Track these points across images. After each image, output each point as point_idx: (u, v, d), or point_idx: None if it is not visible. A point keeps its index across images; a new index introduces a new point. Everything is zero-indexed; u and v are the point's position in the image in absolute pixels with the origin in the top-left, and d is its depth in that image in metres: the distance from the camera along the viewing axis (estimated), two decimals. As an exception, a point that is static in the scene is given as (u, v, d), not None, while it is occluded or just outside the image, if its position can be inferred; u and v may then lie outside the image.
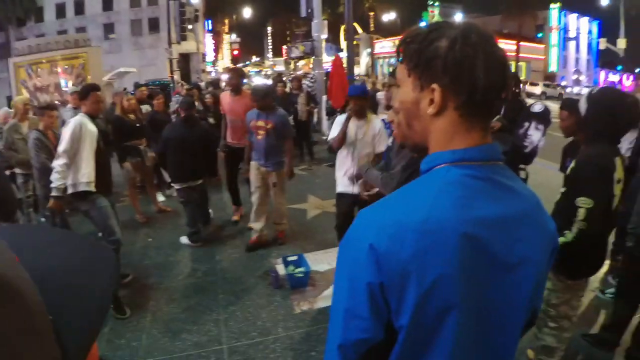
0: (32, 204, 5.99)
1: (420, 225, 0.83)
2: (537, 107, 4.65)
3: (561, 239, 2.35)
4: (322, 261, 4.94)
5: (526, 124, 4.54)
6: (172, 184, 5.93)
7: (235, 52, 67.73)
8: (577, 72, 49.97)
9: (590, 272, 2.68)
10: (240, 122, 5.54)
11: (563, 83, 43.41)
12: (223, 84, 12.98)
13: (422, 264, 0.82)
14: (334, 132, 4.47)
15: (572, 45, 53.35)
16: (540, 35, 49.61)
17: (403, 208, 0.88)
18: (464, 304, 0.84)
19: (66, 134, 4.08)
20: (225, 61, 65.49)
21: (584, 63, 55.46)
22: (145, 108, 7.67)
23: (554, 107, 4.10)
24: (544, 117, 4.54)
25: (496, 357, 0.94)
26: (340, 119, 4.51)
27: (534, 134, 4.49)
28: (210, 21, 53.70)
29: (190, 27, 24.37)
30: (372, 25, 57.65)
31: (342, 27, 26.35)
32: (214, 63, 57.31)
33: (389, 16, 54.27)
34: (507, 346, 0.95)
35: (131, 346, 3.62)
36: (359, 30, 42.38)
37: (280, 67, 58.04)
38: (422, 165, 0.98)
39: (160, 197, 7.22)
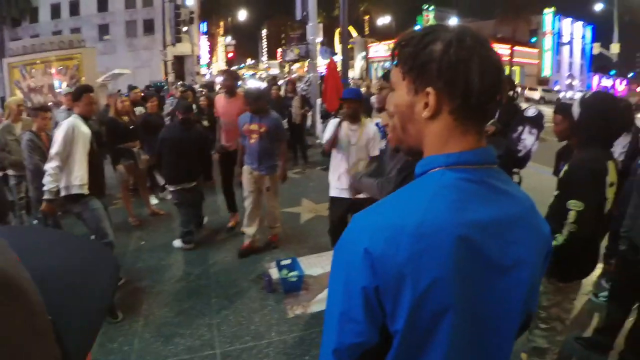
0: (25, 206, 5.95)
1: (415, 228, 0.83)
2: (531, 112, 4.67)
3: (552, 242, 2.35)
4: (316, 265, 4.92)
5: (520, 128, 4.56)
6: (166, 185, 5.91)
7: (230, 55, 67.80)
8: (571, 76, 50.28)
9: (581, 274, 2.69)
10: (234, 125, 5.50)
11: (556, 87, 43.70)
12: (218, 87, 12.97)
13: (417, 267, 0.82)
14: (327, 135, 4.47)
15: (565, 49, 53.69)
16: (534, 39, 49.90)
17: (398, 211, 0.87)
18: (459, 307, 0.84)
19: (59, 135, 4.05)
20: (220, 64, 65.48)
21: (577, 67, 55.81)
22: (139, 110, 7.64)
23: (549, 111, 4.12)
24: (537, 122, 4.56)
25: (491, 359, 0.94)
26: (334, 121, 4.52)
27: (528, 138, 4.51)
28: (205, 23, 53.77)
29: (185, 29, 24.42)
30: (366, 28, 57.79)
31: (337, 31, 26.48)
32: (208, 65, 57.33)
33: (383, 20, 54.40)
34: (502, 349, 0.95)
35: (123, 350, 3.59)
36: (354, 33, 42.52)
37: (275, 70, 58.16)
38: (416, 169, 0.98)
39: (154, 200, 7.18)
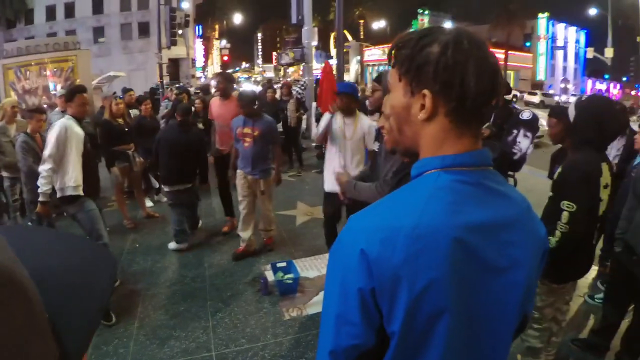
0: (19, 207, 5.92)
1: (412, 230, 0.83)
2: (526, 115, 4.69)
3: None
4: (311, 267, 4.93)
5: (515, 131, 4.58)
6: (162, 186, 5.89)
7: (225, 58, 67.66)
8: (565, 80, 50.53)
9: (574, 276, 2.70)
10: (229, 128, 5.47)
11: (550, 91, 43.92)
12: (213, 90, 12.96)
13: (413, 269, 0.81)
14: (320, 128, 4.48)
15: (559, 54, 54.06)
16: (528, 44, 50.22)
17: (394, 213, 0.87)
18: (455, 309, 0.84)
19: (51, 137, 4.03)
20: (215, 67, 65.38)
21: (571, 72, 56.18)
22: (134, 113, 7.62)
23: (544, 114, 4.15)
24: (532, 125, 4.58)
25: (487, 361, 0.94)
26: (327, 115, 4.53)
27: (523, 141, 4.53)
28: (200, 26, 53.66)
29: (180, 32, 24.23)
30: (362, 33, 57.95)
31: (333, 35, 26.49)
32: (203, 68, 57.18)
33: (378, 24, 54.59)
34: (498, 350, 0.95)
35: (118, 353, 3.57)
36: (349, 37, 42.58)
37: (270, 74, 58.15)
38: (412, 171, 0.98)
39: (149, 203, 7.16)
